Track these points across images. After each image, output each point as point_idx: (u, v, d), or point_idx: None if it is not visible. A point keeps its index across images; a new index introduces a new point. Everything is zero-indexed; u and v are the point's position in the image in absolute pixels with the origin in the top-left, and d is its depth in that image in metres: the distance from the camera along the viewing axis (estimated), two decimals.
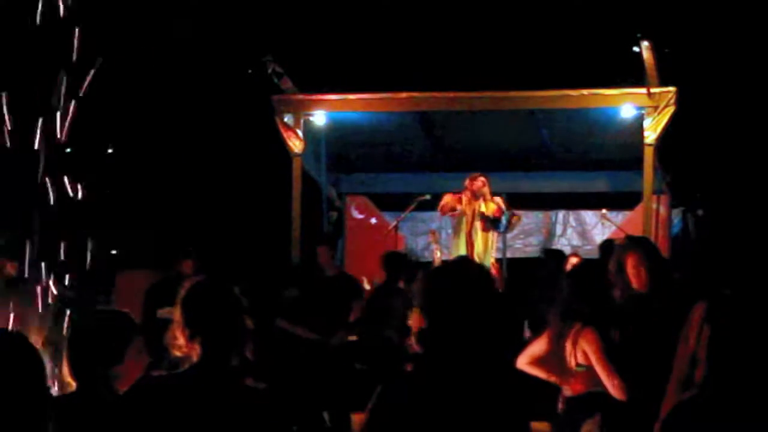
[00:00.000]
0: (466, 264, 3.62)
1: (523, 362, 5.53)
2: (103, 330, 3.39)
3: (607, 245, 9.17)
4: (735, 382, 2.91)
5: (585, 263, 8.00)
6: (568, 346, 5.22)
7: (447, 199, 10.84)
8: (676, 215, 13.29)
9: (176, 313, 3.29)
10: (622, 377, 5.04)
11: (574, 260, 9.92)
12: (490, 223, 10.73)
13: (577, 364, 5.18)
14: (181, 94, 11.62)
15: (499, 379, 2.93)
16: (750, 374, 2.91)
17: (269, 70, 11.50)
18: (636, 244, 5.63)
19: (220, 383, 3.23)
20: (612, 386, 5.04)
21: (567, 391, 5.37)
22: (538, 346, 5.53)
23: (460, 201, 10.74)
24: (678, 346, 3.47)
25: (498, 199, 10.87)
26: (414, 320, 3.03)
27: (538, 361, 5.50)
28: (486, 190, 10.69)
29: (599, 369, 5.08)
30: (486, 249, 10.90)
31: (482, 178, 10.72)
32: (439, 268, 3.33)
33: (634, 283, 5.39)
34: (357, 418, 8.55)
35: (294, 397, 7.79)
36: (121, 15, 10.53)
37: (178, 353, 3.26)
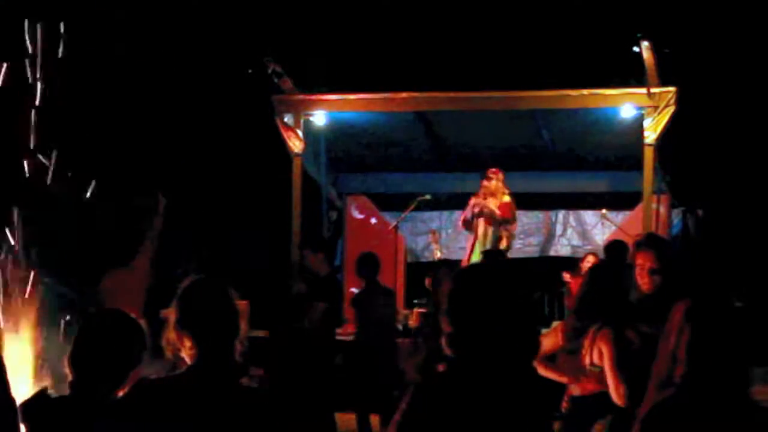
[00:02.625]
0: (492, 265, 3.57)
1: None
2: (124, 334, 3.33)
3: (612, 246, 9.12)
4: (713, 382, 2.92)
5: (604, 263, 7.97)
6: (586, 343, 5.09)
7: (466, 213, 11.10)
8: (676, 215, 13.27)
9: (171, 314, 3.27)
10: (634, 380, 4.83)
11: (591, 259, 9.92)
12: (494, 221, 10.90)
13: (592, 364, 5.06)
14: (181, 95, 11.62)
15: (527, 381, 2.89)
16: (728, 374, 2.92)
17: (269, 70, 11.50)
18: (647, 243, 5.49)
19: (217, 384, 3.20)
20: (616, 392, 4.88)
21: (575, 390, 5.25)
22: (546, 344, 5.39)
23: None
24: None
25: (507, 199, 10.99)
26: (443, 324, 2.90)
27: (545, 360, 5.37)
28: (495, 185, 10.85)
29: (608, 372, 4.96)
30: (484, 242, 10.99)
31: (493, 174, 10.89)
32: (466, 270, 3.20)
33: (641, 283, 5.31)
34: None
35: (297, 396, 7.81)
36: (121, 15, 10.53)
37: (173, 355, 3.24)
